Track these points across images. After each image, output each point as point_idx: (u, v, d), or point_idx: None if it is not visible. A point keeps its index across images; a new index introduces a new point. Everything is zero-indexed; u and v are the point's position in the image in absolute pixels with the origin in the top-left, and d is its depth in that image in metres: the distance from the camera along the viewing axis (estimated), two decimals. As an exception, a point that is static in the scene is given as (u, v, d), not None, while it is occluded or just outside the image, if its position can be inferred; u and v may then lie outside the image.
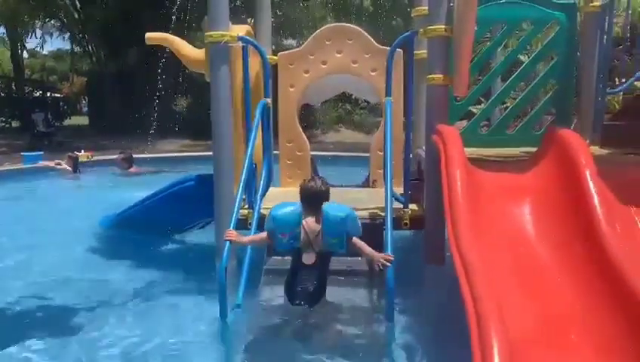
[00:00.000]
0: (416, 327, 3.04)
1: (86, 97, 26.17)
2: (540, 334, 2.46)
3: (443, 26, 3.57)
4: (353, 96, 15.58)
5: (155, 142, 12.96)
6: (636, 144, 3.87)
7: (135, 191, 5.67)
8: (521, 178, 3.26)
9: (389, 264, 2.93)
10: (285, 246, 3.10)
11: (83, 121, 22.10)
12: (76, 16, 18.60)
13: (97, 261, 4.49)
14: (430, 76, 3.66)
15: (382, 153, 4.34)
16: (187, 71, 4.95)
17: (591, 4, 4.70)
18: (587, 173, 2.88)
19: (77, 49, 22.32)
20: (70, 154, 9.49)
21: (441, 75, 3.62)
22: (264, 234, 3.20)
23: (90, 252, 4.70)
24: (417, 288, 3.57)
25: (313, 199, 3.08)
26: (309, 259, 3.07)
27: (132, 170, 9.20)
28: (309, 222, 3.06)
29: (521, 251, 2.88)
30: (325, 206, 3.06)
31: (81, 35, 19.37)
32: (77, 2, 18.19)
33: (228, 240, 3.12)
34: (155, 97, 10.97)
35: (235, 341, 3.06)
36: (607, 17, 4.77)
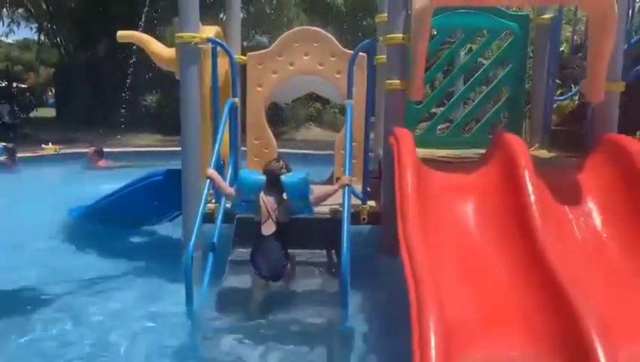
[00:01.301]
0: (369, 313, 3.28)
1: (53, 89, 25.70)
2: (477, 322, 2.69)
3: (401, 35, 3.82)
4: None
5: (125, 136, 12.97)
6: (578, 148, 4.19)
7: (105, 184, 5.77)
8: (468, 178, 3.52)
9: (350, 184, 3.55)
10: (239, 209, 3.55)
11: (50, 113, 21.72)
12: (44, 6, 18.30)
13: (65, 252, 4.62)
14: (388, 81, 3.91)
15: (342, 151, 4.59)
16: (157, 66, 5.08)
17: (541, 17, 5.02)
18: (526, 173, 3.15)
19: (44, 39, 21.94)
20: (5, 144, 9.16)
21: (398, 81, 3.87)
22: (232, 190, 3.57)
23: (58, 244, 4.82)
24: (371, 278, 3.81)
25: (273, 178, 3.45)
26: (268, 229, 3.40)
27: (102, 163, 9.20)
28: (267, 198, 3.45)
29: (464, 246, 3.13)
30: (282, 178, 3.42)
31: (49, 26, 19.06)
32: (46, -7, 17.93)
33: (209, 177, 3.55)
34: (125, 91, 11.01)
35: (200, 327, 3.25)
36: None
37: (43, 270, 4.13)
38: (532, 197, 3.04)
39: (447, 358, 2.21)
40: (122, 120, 11.24)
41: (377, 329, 3.19)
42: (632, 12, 4.33)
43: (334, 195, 3.62)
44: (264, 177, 3.46)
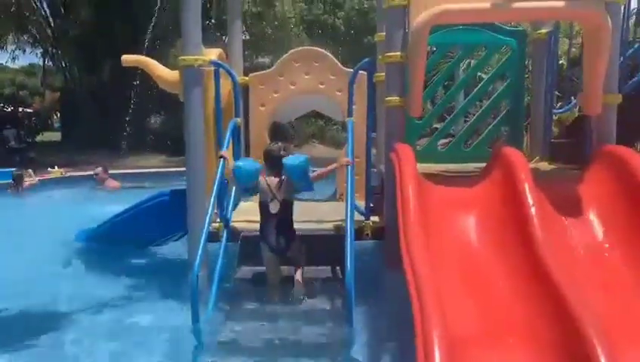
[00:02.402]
0: (374, 329, 3.30)
1: (58, 113, 25.96)
2: (481, 335, 2.71)
3: (399, 53, 3.89)
4: (326, 113, 15.93)
5: (130, 158, 13.09)
6: (579, 160, 4.23)
7: (112, 205, 5.83)
8: (469, 192, 3.56)
9: (350, 163, 3.79)
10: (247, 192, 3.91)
11: (55, 136, 21.94)
12: (49, 32, 18.59)
13: (73, 273, 4.68)
14: (387, 98, 3.97)
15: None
16: (161, 88, 5.17)
17: (538, 32, 5.10)
18: (526, 187, 3.19)
19: (49, 64, 22.24)
20: (16, 171, 9.26)
21: (397, 98, 3.94)
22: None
23: (65, 265, 4.88)
24: (377, 293, 3.83)
25: (273, 161, 3.70)
26: (274, 208, 3.68)
27: (109, 183, 9.26)
28: (270, 179, 3.69)
29: (467, 259, 3.16)
30: (284, 160, 3.66)
31: (54, 51, 19.33)
32: (50, 18, 18.19)
33: (222, 157, 3.81)
34: (130, 113, 11.14)
35: (206, 347, 3.27)
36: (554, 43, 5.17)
37: (49, 292, 4.17)
38: (533, 210, 3.07)
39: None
40: (127, 142, 11.37)
41: (382, 345, 3.20)
42: (625, 25, 4.39)
43: (341, 210, 3.68)
44: (259, 164, 3.72)
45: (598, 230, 3.28)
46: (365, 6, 20.91)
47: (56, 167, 10.47)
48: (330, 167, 3.95)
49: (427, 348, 2.30)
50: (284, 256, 3.74)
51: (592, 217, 3.35)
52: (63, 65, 19.15)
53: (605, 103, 3.78)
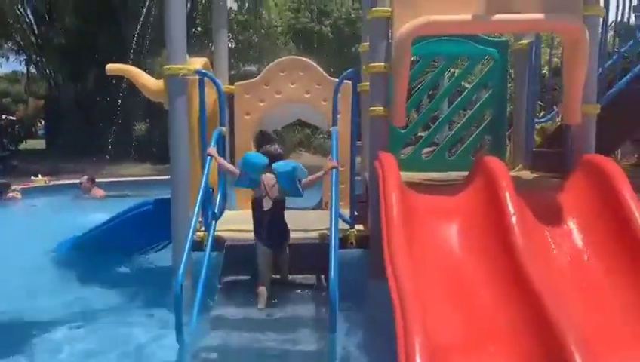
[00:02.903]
0: (358, 337, 3.32)
1: (42, 120, 25.72)
2: (463, 344, 2.73)
3: (382, 64, 3.93)
4: (312, 122, 15.98)
5: (114, 166, 12.98)
6: (560, 169, 4.30)
7: (95, 214, 5.80)
8: (452, 201, 3.60)
9: (336, 166, 3.82)
10: (244, 184, 3.87)
11: (39, 144, 21.70)
12: (33, 39, 18.46)
13: (55, 283, 4.63)
14: (371, 108, 4.01)
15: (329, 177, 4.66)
16: (146, 96, 5.16)
17: (519, 43, 5.19)
18: (507, 195, 3.24)
19: (33, 71, 22.06)
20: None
21: (381, 107, 3.97)
22: (237, 170, 3.90)
23: (47, 274, 4.82)
24: (360, 302, 3.85)
25: (271, 160, 3.78)
26: (267, 205, 3.77)
27: (95, 192, 9.19)
28: (267, 176, 3.75)
29: (450, 268, 3.19)
30: (275, 165, 3.76)
31: (38, 58, 19.19)
32: (34, 25, 18.07)
33: (209, 155, 3.89)
34: (114, 121, 11.08)
35: (190, 357, 3.25)
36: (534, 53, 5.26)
37: (30, 302, 4.13)
38: (513, 219, 3.12)
39: (434, 380, 2.26)
40: (111, 150, 11.28)
41: (366, 353, 3.21)
42: (604, 38, 4.49)
43: (326, 219, 3.70)
44: (266, 159, 3.78)
45: (578, 238, 3.34)
46: (352, 15, 21.06)
47: (39, 175, 10.36)
48: (318, 174, 3.99)
49: (408, 356, 2.33)
50: (277, 253, 3.81)
51: (572, 225, 3.41)
52: (48, 72, 19.01)
53: (584, 113, 3.85)
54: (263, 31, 19.34)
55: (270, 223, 3.77)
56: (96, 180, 9.62)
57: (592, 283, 3.10)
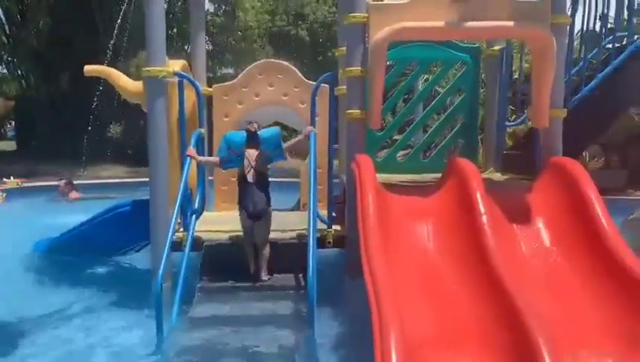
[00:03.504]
0: (336, 333, 3.41)
1: (12, 122, 25.16)
2: (437, 340, 2.83)
3: (359, 68, 4.04)
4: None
5: (89, 168, 12.83)
6: (529, 170, 4.45)
7: (70, 216, 5.77)
8: (426, 201, 3.72)
9: (312, 130, 4.19)
10: (230, 164, 4.21)
11: (9, 146, 21.26)
12: (4, 39, 18.10)
13: (32, 283, 4.62)
14: (348, 111, 4.11)
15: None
16: (121, 98, 5.17)
17: (491, 49, 5.35)
18: (478, 196, 3.36)
19: (4, 72, 21.59)
20: None
21: (357, 111, 4.08)
22: (216, 158, 4.25)
23: (25, 275, 4.81)
24: (337, 299, 3.94)
25: (251, 137, 4.08)
26: (251, 177, 4.05)
27: (73, 195, 9.10)
28: (249, 152, 4.05)
29: (424, 266, 3.31)
30: (260, 133, 4.11)
31: (9, 59, 18.81)
32: (6, 27, 17.73)
33: (188, 155, 4.06)
34: (89, 123, 10.96)
35: (171, 355, 3.29)
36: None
37: (7, 303, 4.11)
38: (484, 218, 3.25)
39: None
40: (86, 152, 11.16)
41: (343, 348, 3.30)
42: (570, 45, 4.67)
43: (304, 220, 3.80)
44: (245, 134, 4.11)
45: (546, 236, 3.49)
46: (328, 19, 21.19)
47: (12, 177, 10.18)
48: (298, 138, 4.33)
49: (384, 352, 2.42)
50: (259, 221, 4.03)
51: (540, 224, 3.56)
52: (20, 73, 18.65)
53: (552, 117, 4.02)
54: (239, 33, 19.29)
55: (255, 193, 4.03)
56: (76, 182, 9.52)
57: (559, 278, 3.24)
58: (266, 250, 4.05)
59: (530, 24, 3.77)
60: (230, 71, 18.65)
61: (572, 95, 4.73)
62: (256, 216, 3.99)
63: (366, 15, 3.98)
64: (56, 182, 9.31)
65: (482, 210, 3.29)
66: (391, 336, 2.45)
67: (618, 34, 5.29)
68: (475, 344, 2.74)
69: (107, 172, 13.57)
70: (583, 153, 9.59)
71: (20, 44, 17.34)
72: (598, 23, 5.28)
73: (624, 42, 5.19)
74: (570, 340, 2.73)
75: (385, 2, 4.07)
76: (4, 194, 9.18)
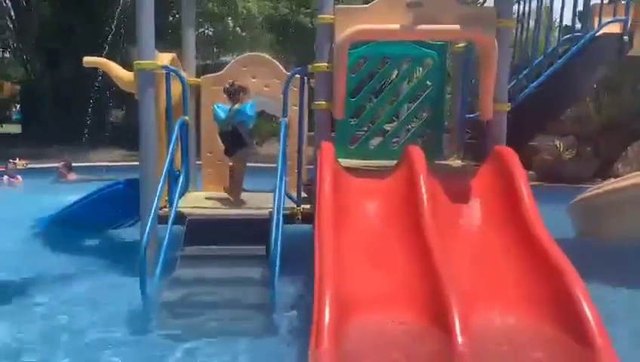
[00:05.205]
0: (294, 294, 3.97)
1: (17, 105, 25.72)
2: (371, 297, 3.30)
3: (325, 64, 4.55)
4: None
5: (91, 151, 13.39)
6: (483, 158, 4.95)
7: (72, 195, 6.32)
8: (380, 182, 4.24)
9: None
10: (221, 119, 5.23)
11: (15, 129, 21.84)
12: (9, 24, 18.61)
13: (36, 253, 5.21)
14: (316, 102, 4.62)
15: (290, 163, 5.32)
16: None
17: (456, 46, 5.83)
18: (420, 178, 3.88)
19: (9, 56, 22.12)
20: None
21: (324, 102, 4.59)
22: None
23: (29, 246, 5.40)
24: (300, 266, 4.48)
25: (229, 94, 5.18)
26: (227, 127, 5.15)
27: (71, 177, 9.66)
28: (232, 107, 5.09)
29: (372, 236, 3.83)
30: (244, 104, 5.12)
31: (14, 44, 19.34)
32: (11, 11, 18.21)
33: None
34: (91, 108, 11.47)
35: (152, 308, 3.86)
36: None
37: (14, 268, 4.69)
38: (424, 198, 3.77)
39: (339, 323, 2.89)
40: (88, 136, 11.66)
41: (298, 304, 3.86)
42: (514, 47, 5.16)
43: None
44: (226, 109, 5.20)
45: (479, 214, 4.01)
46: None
47: (18, 158, 10.75)
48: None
49: (320, 305, 2.95)
50: (233, 156, 5.22)
51: (477, 204, 4.08)
52: (25, 58, 19.16)
53: (497, 110, 4.53)
54: (243, 19, 19.62)
55: (228, 138, 5.20)
56: (75, 165, 10.08)
57: (489, 251, 3.74)
58: (235, 178, 5.22)
59: (475, 28, 4.25)
60: (229, 59, 19.06)
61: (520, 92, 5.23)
62: (228, 151, 5.19)
63: (333, 17, 4.48)
64: (56, 164, 9.88)
65: (423, 190, 3.81)
66: (327, 292, 2.98)
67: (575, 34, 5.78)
68: (402, 303, 3.25)
69: (108, 155, 14.11)
70: (558, 144, 10.17)
71: (24, 30, 17.83)
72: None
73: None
74: (482, 299, 3.26)
75: (350, 6, 4.59)
76: (21, 177, 9.79)
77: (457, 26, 4.24)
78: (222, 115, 5.20)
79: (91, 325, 3.63)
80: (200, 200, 5.22)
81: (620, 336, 3.15)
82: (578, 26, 6.33)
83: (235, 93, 5.18)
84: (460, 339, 2.82)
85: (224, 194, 5.40)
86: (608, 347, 2.72)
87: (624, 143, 9.44)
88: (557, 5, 7.50)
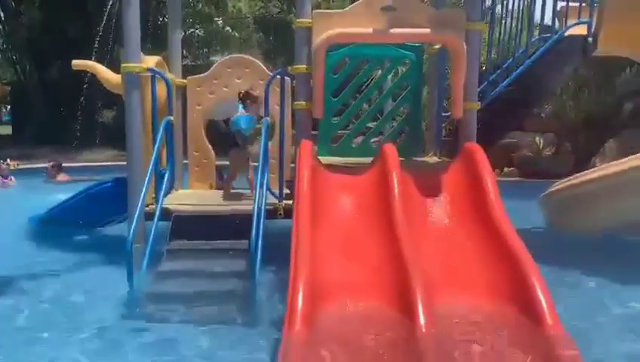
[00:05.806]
0: (276, 286, 4.21)
1: (7, 106, 25.78)
2: (343, 282, 3.53)
3: (304, 65, 4.76)
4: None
5: (81, 152, 13.54)
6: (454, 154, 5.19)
7: (62, 195, 6.51)
8: (356, 178, 4.46)
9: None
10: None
11: (5, 130, 21.89)
12: (0, 26, 18.68)
13: (28, 248, 5.40)
14: (296, 102, 4.85)
15: (274, 161, 5.54)
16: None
17: (433, 47, 6.07)
18: (393, 174, 4.11)
19: (-1, 58, 22.18)
20: None
21: (304, 102, 4.81)
22: None
23: (21, 242, 5.60)
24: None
25: (240, 99, 5.31)
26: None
27: (61, 177, 9.82)
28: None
29: (346, 228, 4.05)
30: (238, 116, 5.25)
31: (4, 46, 19.41)
32: (1, 13, 18.28)
33: None
34: (81, 108, 11.64)
35: (140, 299, 4.06)
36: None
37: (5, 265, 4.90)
38: (395, 192, 4.00)
39: (312, 307, 3.11)
40: (79, 136, 11.85)
41: (279, 292, 4.08)
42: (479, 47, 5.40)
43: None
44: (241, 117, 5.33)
45: (448, 208, 4.24)
46: (322, 7, 21.64)
47: (8, 159, 10.88)
48: None
49: (294, 291, 3.17)
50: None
51: (445, 198, 4.31)
52: (14, 59, 19.23)
53: (467, 109, 4.76)
54: (232, 19, 19.79)
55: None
56: (65, 165, 10.24)
57: (454, 243, 3.98)
58: (228, 176, 5.50)
59: (445, 31, 4.49)
60: (219, 59, 19.20)
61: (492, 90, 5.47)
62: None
63: (310, 21, 4.69)
64: (46, 165, 10.05)
65: (395, 184, 4.04)
66: (300, 280, 3.20)
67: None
68: (372, 291, 3.46)
69: (98, 156, 14.24)
70: (538, 140, 10.45)
71: (13, 31, 17.91)
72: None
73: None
74: (447, 287, 3.49)
75: (328, 11, 4.81)
76: (14, 179, 9.96)
77: (427, 30, 4.48)
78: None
79: (80, 315, 3.84)
80: (186, 198, 5.43)
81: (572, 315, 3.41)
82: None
83: (242, 100, 5.29)
84: (422, 322, 3.05)
85: (209, 192, 5.62)
86: (558, 324, 2.98)
87: (601, 139, 9.73)
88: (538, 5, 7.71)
